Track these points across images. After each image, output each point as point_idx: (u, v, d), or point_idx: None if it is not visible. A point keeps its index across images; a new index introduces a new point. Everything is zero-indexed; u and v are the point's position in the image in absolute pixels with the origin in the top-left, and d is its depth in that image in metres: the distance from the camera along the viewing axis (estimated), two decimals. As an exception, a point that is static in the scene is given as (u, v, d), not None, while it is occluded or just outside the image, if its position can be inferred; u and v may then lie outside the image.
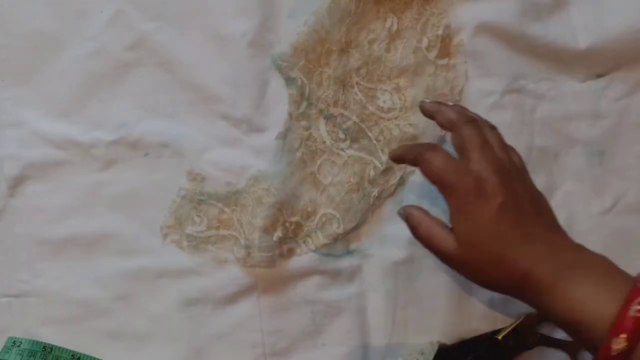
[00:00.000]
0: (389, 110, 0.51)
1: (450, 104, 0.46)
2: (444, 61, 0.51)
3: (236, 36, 0.51)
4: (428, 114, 0.43)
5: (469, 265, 0.38)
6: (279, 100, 0.51)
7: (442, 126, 0.41)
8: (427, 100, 0.43)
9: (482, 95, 0.51)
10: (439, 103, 0.43)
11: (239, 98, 0.51)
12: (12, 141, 0.51)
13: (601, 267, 0.37)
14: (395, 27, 0.51)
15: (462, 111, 0.42)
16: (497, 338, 0.48)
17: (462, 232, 0.38)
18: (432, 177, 0.39)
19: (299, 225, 0.50)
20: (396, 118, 0.51)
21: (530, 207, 0.38)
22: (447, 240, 0.38)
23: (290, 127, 0.50)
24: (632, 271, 0.49)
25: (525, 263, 0.36)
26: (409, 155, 0.41)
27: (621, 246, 0.49)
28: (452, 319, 0.49)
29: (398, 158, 0.43)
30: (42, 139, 0.51)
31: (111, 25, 0.52)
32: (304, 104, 0.50)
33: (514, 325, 0.48)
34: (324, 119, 0.50)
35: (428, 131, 0.50)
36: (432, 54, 0.50)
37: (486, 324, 0.49)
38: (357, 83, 0.51)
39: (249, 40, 0.51)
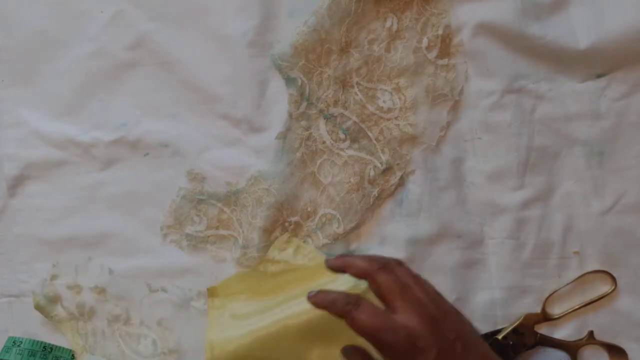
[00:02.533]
0: (389, 110, 0.51)
1: (356, 254, 0.46)
2: (444, 61, 0.51)
3: (236, 36, 0.51)
4: (338, 269, 0.41)
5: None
6: (279, 100, 0.51)
7: (357, 276, 0.40)
8: (331, 258, 0.42)
9: (482, 95, 0.51)
10: (344, 256, 0.42)
11: (239, 98, 0.51)
12: (12, 141, 0.51)
13: None
14: (395, 27, 0.51)
15: (371, 258, 0.41)
16: (497, 338, 0.48)
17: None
18: (365, 335, 0.38)
19: (298, 225, 0.50)
20: (396, 118, 0.51)
21: (461, 349, 0.38)
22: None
23: (290, 127, 0.50)
24: (633, 271, 0.49)
25: None
26: (334, 308, 0.40)
27: (621, 246, 0.49)
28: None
29: (319, 306, 0.41)
30: (42, 139, 0.51)
31: (111, 25, 0.52)
32: (304, 104, 0.50)
33: (514, 325, 0.48)
34: (324, 119, 0.50)
35: (428, 131, 0.50)
36: (432, 54, 0.50)
37: (486, 324, 0.49)
38: (357, 83, 0.51)
39: (249, 40, 0.51)
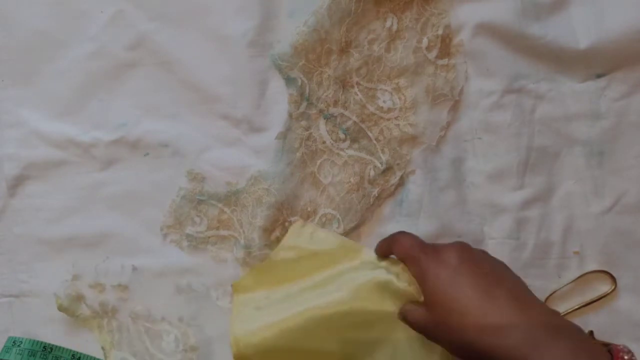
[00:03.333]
0: (389, 110, 0.51)
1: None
2: (444, 61, 0.51)
3: (236, 36, 0.51)
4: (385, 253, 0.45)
5: (439, 329, 0.39)
6: (279, 100, 0.51)
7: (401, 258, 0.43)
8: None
9: (482, 95, 0.51)
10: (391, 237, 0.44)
11: (239, 98, 0.51)
12: (12, 141, 0.51)
13: (575, 335, 0.36)
14: (395, 27, 0.51)
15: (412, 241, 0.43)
16: (497, 338, 0.48)
17: (428, 296, 0.39)
18: (400, 252, 0.42)
19: None
20: (396, 118, 0.51)
21: (490, 270, 0.39)
22: (417, 311, 0.40)
23: (290, 127, 0.50)
24: (632, 271, 0.49)
25: (490, 326, 0.36)
26: (385, 245, 0.44)
27: (621, 246, 0.49)
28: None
29: (380, 253, 0.45)
30: (42, 139, 0.51)
31: (111, 25, 0.52)
32: (304, 104, 0.50)
33: (514, 325, 0.48)
34: (324, 119, 0.50)
35: (428, 131, 0.50)
36: (432, 54, 0.50)
37: (486, 324, 0.49)
38: (357, 83, 0.51)
39: (249, 40, 0.51)
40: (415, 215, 0.50)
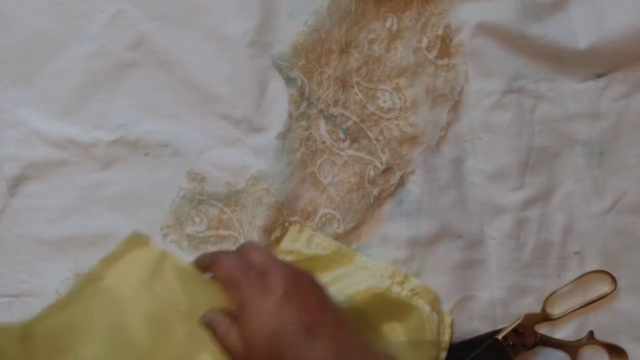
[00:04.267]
0: (389, 110, 0.51)
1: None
2: (444, 61, 0.51)
3: (236, 36, 0.51)
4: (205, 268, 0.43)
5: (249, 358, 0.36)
6: (279, 100, 0.51)
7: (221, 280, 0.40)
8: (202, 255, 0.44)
9: (482, 95, 0.51)
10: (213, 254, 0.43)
11: (239, 98, 0.51)
12: (12, 141, 0.51)
13: None
14: (395, 27, 0.51)
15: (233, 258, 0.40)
16: (497, 338, 0.48)
17: (247, 328, 0.36)
18: (221, 274, 0.38)
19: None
20: (396, 118, 0.51)
21: (315, 303, 0.36)
22: (230, 333, 0.37)
23: (290, 127, 0.50)
24: (633, 271, 0.49)
25: None
26: (203, 262, 0.42)
27: (621, 246, 0.49)
28: (452, 319, 0.49)
29: (199, 266, 0.44)
30: (42, 139, 0.51)
31: (111, 25, 0.52)
32: (304, 103, 0.50)
33: (514, 326, 0.48)
34: (324, 119, 0.50)
35: (428, 131, 0.50)
36: (432, 54, 0.50)
37: (486, 324, 0.49)
38: (357, 83, 0.51)
39: (249, 40, 0.51)
40: (415, 215, 0.50)
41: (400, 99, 0.51)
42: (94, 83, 0.52)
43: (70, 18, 0.52)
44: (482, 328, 0.49)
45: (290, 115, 0.50)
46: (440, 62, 0.50)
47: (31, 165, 0.51)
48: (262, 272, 0.37)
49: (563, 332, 0.49)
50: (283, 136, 0.50)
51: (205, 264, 0.43)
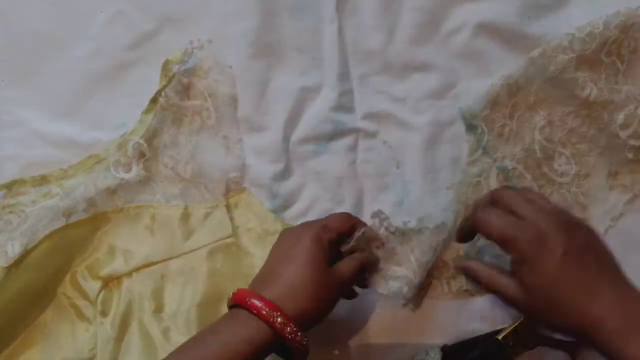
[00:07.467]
0: (563, 174, 0.50)
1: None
2: (637, 142, 0.48)
3: (236, 36, 0.51)
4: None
5: (534, 310, 0.39)
6: (279, 100, 0.51)
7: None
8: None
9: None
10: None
11: (239, 98, 0.51)
12: (12, 141, 0.51)
13: None
14: (593, 96, 0.48)
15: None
16: (497, 338, 0.48)
17: (526, 282, 0.38)
18: (492, 233, 0.39)
19: None
20: (567, 184, 0.49)
21: (594, 259, 0.38)
22: (509, 287, 0.39)
23: (462, 172, 0.50)
24: (633, 271, 0.49)
25: (591, 315, 0.36)
26: (466, 224, 0.43)
27: (621, 246, 0.49)
28: (452, 319, 0.49)
29: (459, 236, 0.45)
30: (42, 139, 0.51)
31: (111, 25, 0.52)
32: (479, 152, 0.50)
33: (514, 326, 0.48)
34: (497, 170, 0.50)
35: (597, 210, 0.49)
36: (625, 133, 0.48)
37: (486, 324, 0.49)
38: (537, 141, 0.49)
39: (249, 40, 0.51)
40: (415, 215, 0.50)
41: (576, 165, 0.49)
42: (94, 83, 0.52)
43: (70, 18, 0.52)
44: (482, 328, 0.49)
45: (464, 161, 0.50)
46: (632, 142, 0.48)
47: (31, 165, 0.51)
48: (541, 233, 0.38)
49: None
50: (455, 187, 0.50)
51: (467, 228, 0.44)
